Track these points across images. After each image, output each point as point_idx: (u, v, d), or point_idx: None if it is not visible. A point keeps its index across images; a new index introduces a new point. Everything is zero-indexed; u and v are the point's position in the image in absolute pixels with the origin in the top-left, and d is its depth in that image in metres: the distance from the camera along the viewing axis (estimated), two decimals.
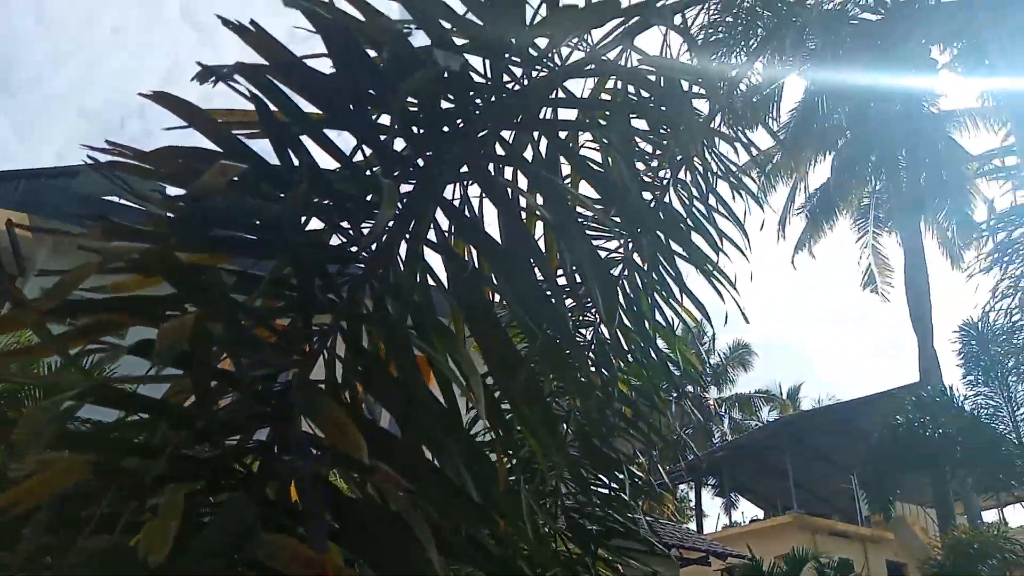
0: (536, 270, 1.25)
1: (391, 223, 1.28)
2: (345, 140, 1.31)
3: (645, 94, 1.43)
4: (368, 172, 1.35)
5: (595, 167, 1.55)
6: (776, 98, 15.38)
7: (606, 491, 3.16)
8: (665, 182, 2.77)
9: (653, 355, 2.79)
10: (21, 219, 11.32)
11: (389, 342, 1.09)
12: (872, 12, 11.90)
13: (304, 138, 1.22)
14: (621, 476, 3.10)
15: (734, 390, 28.68)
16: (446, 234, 1.33)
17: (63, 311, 1.00)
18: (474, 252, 1.30)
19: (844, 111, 15.26)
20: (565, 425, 3.05)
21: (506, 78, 1.43)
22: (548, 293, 1.10)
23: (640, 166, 2.59)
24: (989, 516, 14.12)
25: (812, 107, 15.53)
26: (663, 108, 1.36)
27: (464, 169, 1.27)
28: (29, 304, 0.90)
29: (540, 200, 1.24)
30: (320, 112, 1.25)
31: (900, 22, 10.58)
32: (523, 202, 1.41)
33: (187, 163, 1.13)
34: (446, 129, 1.36)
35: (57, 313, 1.00)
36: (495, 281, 1.19)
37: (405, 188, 1.36)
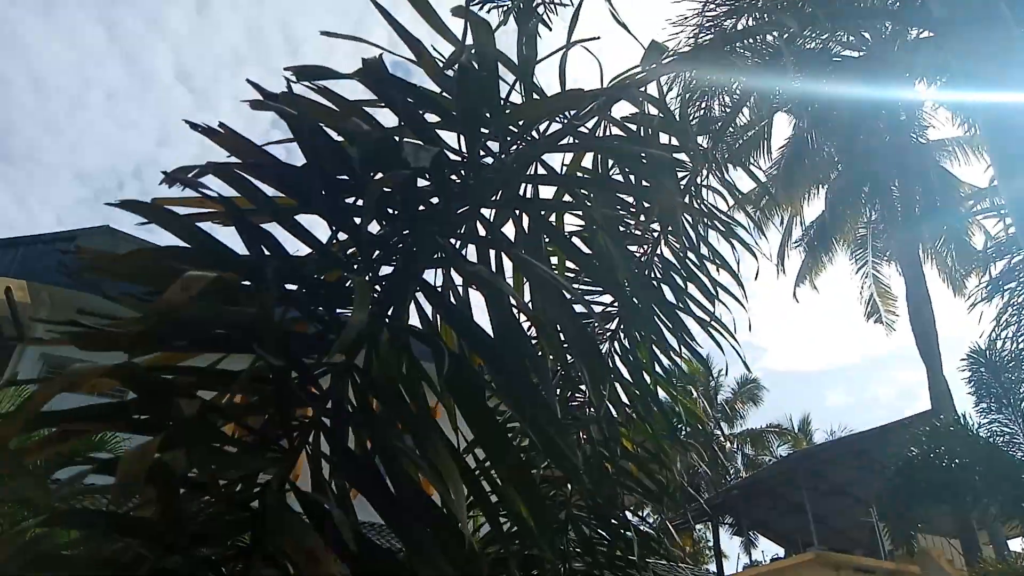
0: (524, 353, 1.21)
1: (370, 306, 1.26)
2: (322, 226, 1.29)
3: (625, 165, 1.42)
4: (344, 255, 1.32)
5: (580, 237, 1.53)
6: (766, 135, 15.55)
7: (616, 551, 3.07)
8: (656, 234, 2.75)
9: (655, 408, 2.72)
10: (20, 286, 11.33)
11: (375, 441, 1.05)
12: (853, 50, 12.11)
13: (278, 227, 1.20)
14: (629, 535, 3.02)
15: (745, 425, 28.24)
16: (431, 318, 1.30)
17: (32, 424, 0.97)
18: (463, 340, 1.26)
19: (833, 145, 15.40)
20: (569, 485, 2.97)
21: (482, 154, 1.41)
22: (537, 384, 1.06)
23: (629, 219, 2.57)
24: (1015, 545, 13.70)
25: (802, 142, 15.69)
26: (644, 182, 1.34)
27: (443, 254, 1.24)
28: None
29: (525, 281, 1.21)
30: (293, 200, 1.24)
31: (882, 59, 10.77)
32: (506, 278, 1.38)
33: (157, 262, 1.11)
34: (422, 208, 1.34)
35: (26, 428, 0.97)
36: (484, 372, 1.15)
37: (385, 270, 1.33)
